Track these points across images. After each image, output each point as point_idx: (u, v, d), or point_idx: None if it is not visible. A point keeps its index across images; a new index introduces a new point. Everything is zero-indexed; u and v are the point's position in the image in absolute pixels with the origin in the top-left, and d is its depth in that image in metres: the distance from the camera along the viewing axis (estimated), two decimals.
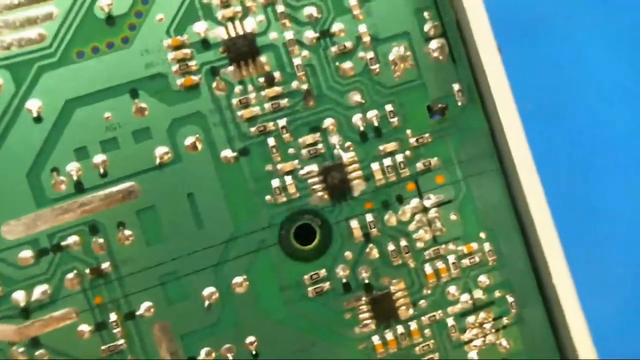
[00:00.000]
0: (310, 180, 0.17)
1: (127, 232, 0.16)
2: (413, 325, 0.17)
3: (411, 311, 0.17)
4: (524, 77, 0.18)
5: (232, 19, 0.16)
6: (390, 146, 0.17)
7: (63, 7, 0.16)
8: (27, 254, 0.16)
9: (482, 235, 0.17)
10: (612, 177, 0.20)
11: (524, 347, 0.17)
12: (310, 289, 0.17)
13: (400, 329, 0.17)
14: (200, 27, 0.16)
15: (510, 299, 0.17)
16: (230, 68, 0.16)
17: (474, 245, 0.17)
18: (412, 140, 0.17)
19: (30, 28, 0.16)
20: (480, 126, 0.17)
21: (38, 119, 0.16)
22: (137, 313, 0.16)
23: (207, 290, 0.16)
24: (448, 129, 0.17)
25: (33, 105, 0.16)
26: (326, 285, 0.17)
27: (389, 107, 0.17)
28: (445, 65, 0.17)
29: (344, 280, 0.17)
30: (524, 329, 0.18)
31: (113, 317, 0.16)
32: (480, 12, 0.16)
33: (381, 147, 0.17)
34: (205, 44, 0.16)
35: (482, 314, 0.17)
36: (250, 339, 0.16)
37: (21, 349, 0.15)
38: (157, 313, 0.16)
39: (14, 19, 0.16)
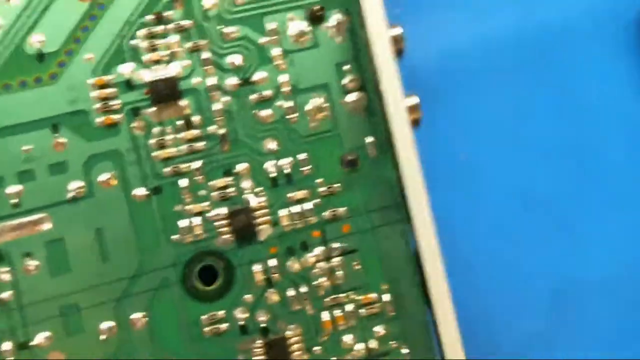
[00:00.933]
0: (217, 223, 0.16)
1: (32, 262, 0.15)
2: None
3: (305, 357, 0.16)
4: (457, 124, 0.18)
5: (157, 62, 0.16)
6: (300, 194, 0.16)
7: None
8: None
9: (384, 286, 0.17)
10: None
11: None
12: (207, 328, 0.16)
13: None
14: (126, 69, 0.16)
15: (404, 350, 0.17)
16: (152, 109, 0.16)
17: (374, 296, 0.16)
18: (323, 189, 0.16)
19: None
20: (389, 178, 0.16)
21: None
22: (32, 342, 0.15)
23: (105, 325, 0.15)
24: (358, 179, 0.16)
25: None
26: (223, 326, 0.16)
27: (302, 156, 0.16)
28: (361, 118, 0.16)
29: (242, 323, 0.16)
30: None
31: (6, 346, 0.15)
32: (392, 71, 0.16)
33: (291, 194, 0.16)
34: (129, 85, 0.16)
35: None
36: None
37: None
38: (52, 343, 0.15)
39: None
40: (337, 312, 0.17)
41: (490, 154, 0.20)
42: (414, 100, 0.17)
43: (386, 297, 0.17)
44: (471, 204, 0.19)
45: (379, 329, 0.17)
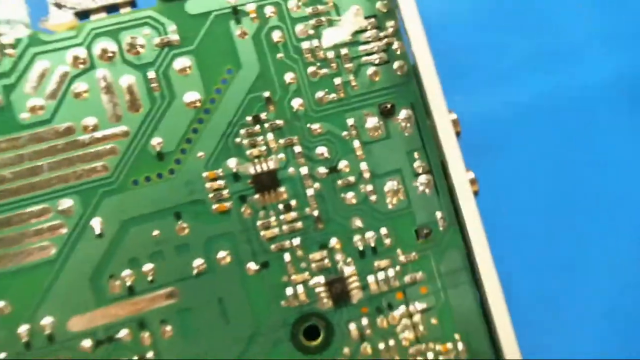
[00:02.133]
0: (317, 289, 0.30)
1: (168, 328, 0.29)
2: None
3: None
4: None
5: (258, 157, 0.31)
6: (384, 262, 0.31)
7: (123, 145, 0.30)
8: (87, 343, 0.29)
9: (457, 336, 0.31)
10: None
11: None
12: None
13: None
14: (232, 163, 0.30)
15: None
16: (256, 196, 0.30)
17: (449, 345, 0.31)
18: (402, 258, 0.31)
19: (98, 161, 0.30)
20: (457, 245, 0.31)
21: (100, 235, 0.29)
22: None
23: None
24: (431, 248, 0.31)
25: (96, 223, 0.29)
26: None
27: (383, 230, 0.31)
28: (430, 197, 0.31)
29: None
30: None
31: None
32: (456, 154, 0.30)
33: (376, 263, 0.31)
34: (236, 177, 0.30)
35: None
36: None
37: None
38: None
39: (85, 154, 0.30)
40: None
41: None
42: (471, 175, 0.32)
43: (460, 346, 0.31)
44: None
45: None
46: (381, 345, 0.30)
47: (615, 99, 0.38)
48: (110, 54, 0.30)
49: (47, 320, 0.28)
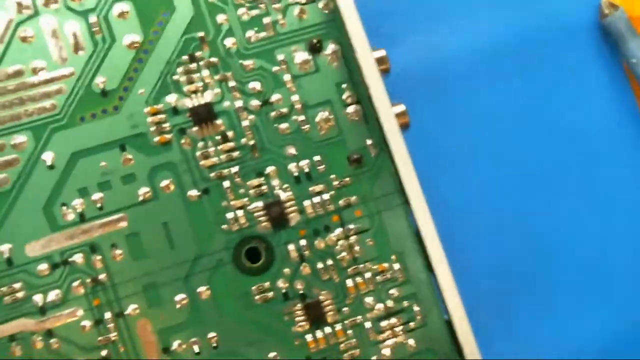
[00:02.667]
0: (256, 214, 0.40)
1: (118, 251, 0.38)
2: (338, 327, 0.40)
3: (337, 316, 0.40)
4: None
5: (195, 92, 0.40)
6: (318, 187, 0.40)
7: (69, 84, 0.39)
8: (44, 266, 0.38)
9: (393, 257, 0.40)
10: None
11: (428, 347, 0.40)
12: (257, 297, 0.39)
13: (328, 329, 0.40)
14: (171, 99, 0.40)
15: (416, 308, 0.40)
16: (195, 128, 0.40)
17: (386, 265, 0.40)
18: (335, 183, 0.40)
19: (47, 100, 0.39)
20: (388, 170, 0.41)
21: (51, 167, 0.38)
22: (125, 312, 0.38)
23: (179, 297, 0.39)
24: (363, 173, 0.41)
25: (47, 156, 0.39)
26: (270, 294, 0.39)
27: (316, 157, 0.40)
28: (360, 125, 0.41)
29: (284, 291, 0.39)
30: (427, 332, 0.40)
31: (107, 315, 0.38)
32: (380, 88, 0.40)
33: (311, 188, 0.40)
34: (175, 111, 0.40)
35: (393, 320, 0.40)
36: (212, 334, 0.39)
37: (39, 338, 0.37)
38: (140, 313, 0.38)
39: (34, 94, 0.39)
40: (359, 279, 0.40)
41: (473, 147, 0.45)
42: (401, 107, 0.41)
43: (396, 266, 0.41)
44: (459, 188, 0.44)
45: (394, 291, 0.40)
46: (319, 265, 0.40)
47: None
48: (54, 1, 0.39)
49: (5, 247, 0.37)
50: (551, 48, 0.49)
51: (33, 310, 0.37)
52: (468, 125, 0.46)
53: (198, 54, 0.40)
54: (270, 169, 0.40)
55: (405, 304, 0.40)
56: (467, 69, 0.48)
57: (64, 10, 0.39)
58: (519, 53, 0.49)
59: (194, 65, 0.40)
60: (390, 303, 0.40)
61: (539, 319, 0.47)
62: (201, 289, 0.38)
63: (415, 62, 0.47)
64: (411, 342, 0.40)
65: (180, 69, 0.40)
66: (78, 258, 0.38)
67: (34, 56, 0.39)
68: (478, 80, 0.47)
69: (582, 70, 0.49)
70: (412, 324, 0.40)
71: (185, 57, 0.40)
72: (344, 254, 0.40)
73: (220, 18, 0.40)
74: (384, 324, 0.40)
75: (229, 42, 0.40)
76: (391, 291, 0.40)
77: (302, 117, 0.40)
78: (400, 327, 0.40)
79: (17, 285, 0.37)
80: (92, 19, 0.39)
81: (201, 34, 0.40)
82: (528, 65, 0.49)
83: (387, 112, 0.39)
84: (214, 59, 0.40)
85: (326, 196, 0.40)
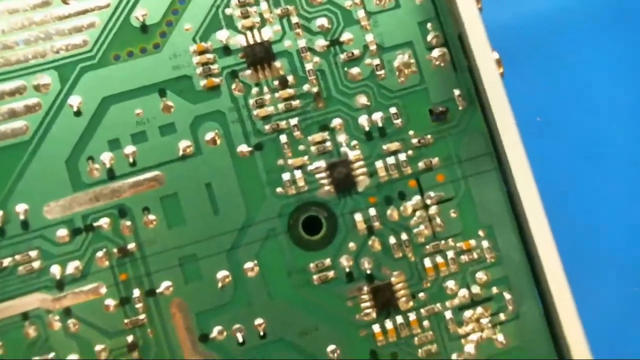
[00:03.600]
0: (318, 175, 0.32)
1: (152, 217, 0.32)
2: (412, 316, 0.32)
3: (411, 303, 0.32)
4: (528, 88, 0.34)
5: (251, 28, 0.33)
6: (394, 146, 0.33)
7: (103, 17, 0.32)
8: (63, 232, 0.31)
9: (481, 232, 0.33)
10: (605, 180, 0.36)
11: (521, 344, 0.32)
12: (315, 276, 0.32)
13: (399, 319, 0.32)
14: (222, 35, 0.33)
15: (507, 296, 0.33)
16: (248, 71, 0.33)
17: (473, 242, 0.33)
18: (415, 141, 0.33)
19: (77, 35, 0.32)
20: (479, 128, 0.33)
21: (78, 113, 0.32)
22: (158, 290, 0.32)
23: (221, 273, 0.32)
24: (448, 130, 0.33)
25: (74, 101, 0.32)
26: (330, 273, 0.32)
27: (393, 110, 0.33)
28: (447, 72, 0.33)
29: (347, 270, 0.32)
30: (520, 325, 0.32)
31: (136, 293, 0.31)
32: (478, 25, 0.32)
33: (385, 147, 0.33)
34: (226, 50, 0.33)
35: (479, 309, 0.32)
36: (259, 320, 0.32)
37: (56, 317, 0.31)
38: (175, 291, 0.32)
39: (63, 27, 0.32)
40: (439, 259, 0.33)
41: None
42: (496, 55, 0.33)
43: (485, 244, 0.33)
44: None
45: (481, 275, 0.33)
46: (392, 240, 0.32)
47: None
48: None
49: (20, 207, 0.31)
50: None
51: (50, 284, 0.31)
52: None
53: None
54: (336, 122, 0.33)
55: (495, 290, 0.33)
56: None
57: None
58: None
59: None
60: (476, 289, 0.32)
61: None
62: (248, 264, 0.32)
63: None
64: (500, 337, 0.32)
65: (234, 1, 0.33)
66: (104, 223, 0.32)
67: None
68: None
69: None
70: (502, 316, 0.33)
71: None
72: (421, 227, 0.32)
73: None
74: (467, 314, 0.32)
75: None
76: (478, 274, 0.33)
77: (376, 61, 0.33)
78: (488, 319, 0.33)
79: (32, 254, 0.31)
80: None
81: None
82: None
83: (485, 55, 0.31)
84: None
85: (402, 156, 0.33)
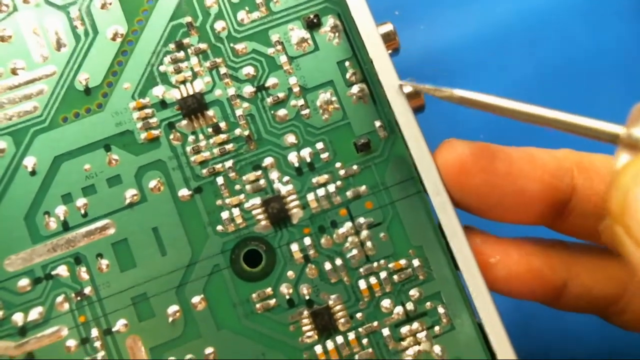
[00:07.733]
0: (254, 212, 0.33)
1: (105, 262, 0.33)
2: (351, 335, 0.33)
3: (349, 323, 0.33)
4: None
5: (184, 82, 0.34)
6: (323, 178, 0.33)
7: (50, 84, 0.34)
8: (24, 282, 0.33)
9: (411, 252, 0.33)
10: None
11: (456, 354, 0.33)
12: (258, 305, 0.33)
13: (340, 339, 0.33)
14: (158, 91, 0.34)
15: (441, 309, 0.33)
16: (184, 122, 0.34)
17: (403, 262, 0.33)
18: (342, 172, 0.34)
19: (27, 102, 0.34)
20: (401, 155, 0.33)
21: (33, 173, 0.33)
22: (114, 329, 0.33)
23: (172, 309, 0.33)
24: (373, 159, 0.34)
25: (29, 162, 0.33)
26: (272, 301, 0.33)
27: (319, 145, 0.34)
28: (367, 106, 0.34)
29: (288, 297, 0.33)
30: (455, 336, 0.33)
31: (94, 332, 0.32)
32: (385, 59, 0.33)
33: (315, 180, 0.33)
34: (163, 104, 0.34)
35: (415, 324, 0.33)
36: (209, 350, 0.33)
37: None
38: (130, 328, 0.32)
39: (14, 96, 0.34)
40: (373, 280, 0.33)
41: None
42: (409, 88, 0.34)
43: (416, 262, 0.33)
44: None
45: (414, 292, 0.33)
46: (327, 266, 0.33)
47: None
48: None
49: None
50: None
51: (12, 332, 0.32)
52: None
53: (186, 41, 0.34)
54: (268, 161, 0.33)
55: (429, 305, 0.33)
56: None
57: (44, 5, 0.34)
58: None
59: (181, 54, 0.34)
60: (410, 305, 0.33)
61: None
62: (196, 299, 0.33)
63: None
64: (437, 349, 0.33)
65: (167, 59, 0.34)
66: (62, 271, 0.33)
67: (13, 56, 0.34)
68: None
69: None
70: (437, 329, 0.33)
71: (172, 46, 0.34)
72: (354, 251, 0.33)
73: (209, 1, 0.34)
74: (404, 329, 0.33)
75: (219, 25, 0.34)
76: (411, 292, 0.33)
77: (301, 102, 0.34)
78: (424, 333, 0.33)
79: None
80: (74, 12, 0.34)
81: (189, 19, 0.34)
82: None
83: (392, 85, 0.32)
84: (203, 45, 0.34)
85: (332, 188, 0.33)
